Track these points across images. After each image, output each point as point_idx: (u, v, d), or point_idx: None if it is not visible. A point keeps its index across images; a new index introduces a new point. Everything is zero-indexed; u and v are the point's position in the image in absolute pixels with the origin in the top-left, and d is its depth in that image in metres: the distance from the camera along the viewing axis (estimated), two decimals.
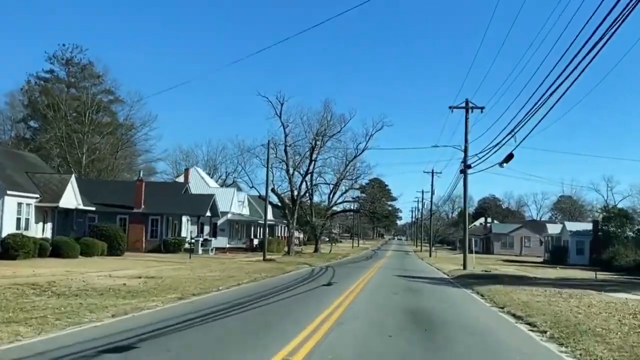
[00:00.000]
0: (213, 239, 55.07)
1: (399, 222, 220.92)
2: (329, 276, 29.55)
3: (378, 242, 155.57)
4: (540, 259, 73.87)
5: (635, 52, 79.83)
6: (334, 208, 72.82)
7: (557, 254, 59.16)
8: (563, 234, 61.26)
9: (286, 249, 59.07)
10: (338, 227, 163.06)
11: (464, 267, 38.92)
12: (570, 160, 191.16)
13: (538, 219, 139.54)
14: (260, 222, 73.98)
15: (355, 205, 70.34)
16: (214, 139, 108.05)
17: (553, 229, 66.04)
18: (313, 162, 57.13)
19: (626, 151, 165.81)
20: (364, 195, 79.34)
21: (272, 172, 55.29)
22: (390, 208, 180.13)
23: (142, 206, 48.12)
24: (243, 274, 27.01)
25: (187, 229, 53.61)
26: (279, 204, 58.29)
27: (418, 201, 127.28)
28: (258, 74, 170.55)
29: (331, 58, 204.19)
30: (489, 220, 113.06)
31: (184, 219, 52.94)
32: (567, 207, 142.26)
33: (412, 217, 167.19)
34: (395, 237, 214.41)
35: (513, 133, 22.73)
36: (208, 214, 51.27)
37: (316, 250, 70.14)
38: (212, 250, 50.65)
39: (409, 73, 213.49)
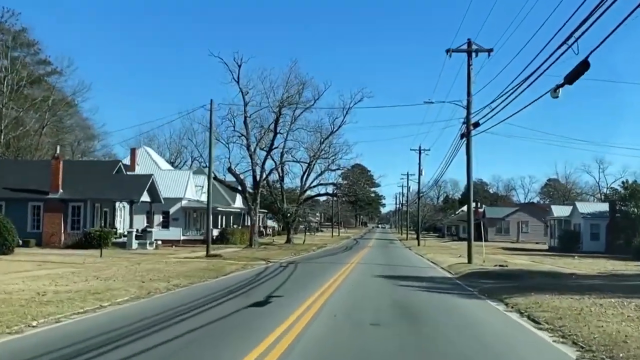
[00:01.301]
0: (155, 230, 44.96)
1: (382, 210, 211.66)
2: (279, 282, 19.68)
3: (361, 231, 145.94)
4: (544, 246, 64.76)
5: None
6: (308, 192, 62.95)
7: (567, 240, 49.92)
8: (573, 217, 51.97)
9: (257, 239, 49.17)
10: (319, 215, 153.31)
11: (469, 261, 29.32)
12: (561, 142, 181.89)
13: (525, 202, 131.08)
14: (228, 209, 64.10)
15: (333, 189, 60.48)
16: (159, 113, 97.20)
17: (560, 211, 56.85)
18: (278, 136, 47.09)
19: (620, 131, 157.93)
20: (345, 182, 69.53)
21: (229, 148, 45.43)
22: (373, 195, 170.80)
23: (60, 190, 37.86)
24: (138, 283, 17.01)
25: (124, 219, 43.42)
26: (239, 187, 48.10)
27: (402, 186, 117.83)
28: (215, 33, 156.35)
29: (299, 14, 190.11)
30: (480, 204, 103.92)
31: (119, 206, 42.75)
32: (554, 191, 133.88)
33: (396, 204, 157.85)
34: (379, 225, 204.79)
35: (575, 39, 12.87)
36: (145, 198, 41.12)
37: (288, 240, 60.39)
38: (151, 244, 40.56)
39: (390, 29, 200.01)
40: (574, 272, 25.14)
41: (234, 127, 45.95)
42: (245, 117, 45.89)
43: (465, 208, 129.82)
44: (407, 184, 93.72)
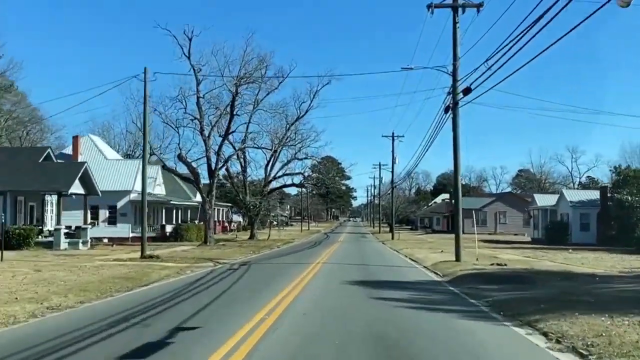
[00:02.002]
0: (102, 226, 39.18)
1: (354, 203, 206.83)
2: (210, 297, 14.13)
3: (332, 225, 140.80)
4: (525, 237, 60.34)
5: None
6: (274, 184, 57.35)
7: (555, 232, 45.34)
8: (560, 206, 47.41)
9: (213, 236, 43.40)
10: (288, 209, 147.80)
11: (458, 258, 24.19)
12: (536, 128, 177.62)
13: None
14: (187, 203, 58.25)
15: (300, 179, 55.03)
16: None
17: (544, 200, 52.32)
18: (235, 118, 41.23)
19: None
20: (315, 175, 63.91)
21: (179, 133, 39.57)
22: (344, 187, 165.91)
23: None
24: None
25: (53, 213, 37.32)
26: (191, 177, 42.23)
27: (374, 178, 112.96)
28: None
29: None
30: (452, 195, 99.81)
31: (50, 200, 36.66)
32: (526, 182, 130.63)
33: (367, 196, 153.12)
34: (351, 219, 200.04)
35: None
36: (78, 190, 35.14)
37: (252, 236, 54.79)
38: (85, 243, 34.66)
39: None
40: (592, 272, 20.13)
41: (185, 109, 40.22)
42: (198, 98, 40.16)
43: (438, 199, 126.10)
44: (380, 174, 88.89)
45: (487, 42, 21.98)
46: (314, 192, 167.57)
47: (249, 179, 63.19)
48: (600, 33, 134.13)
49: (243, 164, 55.52)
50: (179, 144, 38.90)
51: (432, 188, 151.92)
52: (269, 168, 55.87)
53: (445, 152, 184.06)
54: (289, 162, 56.63)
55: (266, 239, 52.82)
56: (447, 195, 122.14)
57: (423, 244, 46.67)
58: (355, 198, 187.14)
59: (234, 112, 40.13)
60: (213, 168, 40.22)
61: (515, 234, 69.29)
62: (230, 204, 72.63)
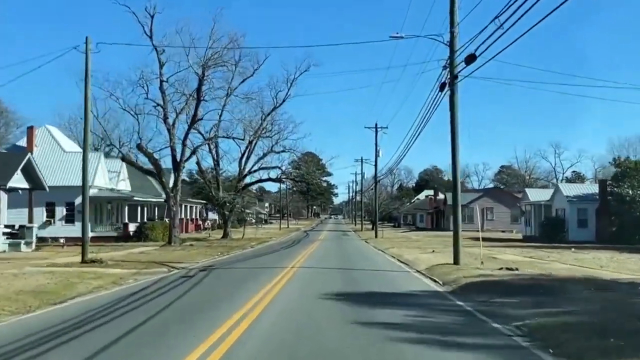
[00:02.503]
0: (58, 225, 34.82)
1: (335, 200, 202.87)
2: (147, 314, 10.18)
3: (312, 222, 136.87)
4: (514, 234, 57.00)
5: None
6: (249, 178, 53.25)
7: (550, 228, 41.90)
8: (555, 201, 43.93)
9: (180, 235, 39.10)
10: (268, 206, 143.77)
11: (456, 261, 20.36)
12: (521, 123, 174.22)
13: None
14: (156, 200, 53.90)
15: (278, 174, 50.90)
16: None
17: (537, 195, 48.89)
18: (203, 104, 36.93)
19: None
20: (294, 170, 59.77)
21: (139, 121, 35.27)
22: (325, 184, 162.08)
23: None
24: None
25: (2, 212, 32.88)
26: (154, 169, 37.89)
27: (356, 174, 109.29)
28: None
29: None
30: (436, 191, 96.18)
31: None
32: (508, 178, 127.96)
33: (349, 192, 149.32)
34: (332, 216, 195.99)
35: None
36: (21, 184, 30.81)
37: (225, 235, 50.71)
38: (29, 244, 30.37)
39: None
40: (626, 278, 16.42)
41: (146, 94, 35.95)
42: (161, 82, 35.87)
43: (421, 196, 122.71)
44: (362, 169, 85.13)
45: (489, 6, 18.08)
46: (294, 188, 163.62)
47: (224, 174, 59.09)
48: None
49: (215, 157, 51.39)
50: (138, 133, 34.68)
51: (414, 184, 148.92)
52: (243, 161, 51.81)
53: (428, 147, 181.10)
54: (265, 155, 52.65)
55: (240, 238, 48.74)
56: (430, 192, 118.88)
57: (409, 243, 43.00)
58: (336, 195, 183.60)
59: (201, 97, 35.90)
60: (178, 160, 36.00)
61: (503, 231, 65.97)
62: (205, 201, 68.33)
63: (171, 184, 37.23)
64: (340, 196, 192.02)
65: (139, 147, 34.53)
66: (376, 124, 54.54)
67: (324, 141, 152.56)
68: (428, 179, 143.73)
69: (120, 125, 53.72)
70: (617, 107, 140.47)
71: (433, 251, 30.04)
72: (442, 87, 21.21)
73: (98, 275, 17.66)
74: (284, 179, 50.18)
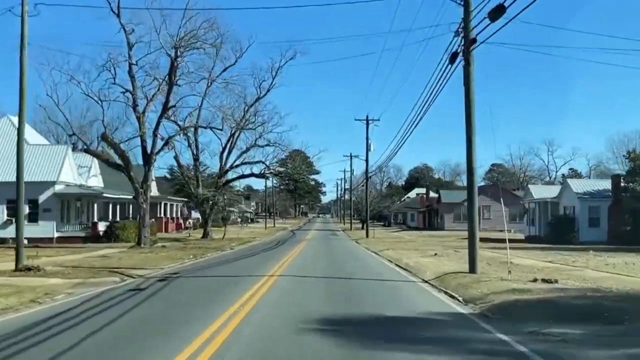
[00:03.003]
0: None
1: (323, 199, 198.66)
2: None
3: (300, 221, 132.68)
4: (513, 234, 53.39)
5: None
6: (230, 174, 49.25)
7: (559, 228, 38.30)
8: (564, 198, 40.32)
9: (151, 236, 34.84)
10: (254, 205, 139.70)
11: (473, 269, 16.53)
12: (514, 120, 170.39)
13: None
14: (125, 197, 49.77)
15: (262, 169, 46.92)
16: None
17: (541, 192, 45.33)
18: (176, 89, 32.71)
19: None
20: (284, 169, 55.67)
21: (103, 107, 31.05)
22: (313, 182, 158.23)
23: None
24: None
25: None
26: (122, 162, 33.69)
27: (345, 171, 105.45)
28: None
29: None
30: (428, 189, 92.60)
31: None
32: (499, 176, 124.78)
33: (337, 191, 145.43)
34: (320, 215, 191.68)
35: None
36: None
37: (205, 235, 46.77)
38: None
39: None
40: None
41: (114, 79, 31.84)
42: (130, 65, 31.78)
43: (411, 194, 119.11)
44: (351, 166, 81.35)
45: None
46: (281, 187, 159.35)
47: (207, 170, 55.14)
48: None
49: (195, 152, 47.40)
50: (103, 121, 30.44)
51: (404, 183, 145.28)
52: (224, 156, 47.88)
53: (418, 145, 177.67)
54: (248, 149, 48.76)
55: (221, 238, 44.76)
56: (421, 190, 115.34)
57: (404, 244, 39.27)
58: (324, 193, 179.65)
59: (174, 82, 31.80)
60: (149, 152, 31.94)
61: (501, 230, 62.40)
62: (186, 199, 64.20)
63: (144, 179, 33.10)
64: (329, 194, 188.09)
65: (104, 137, 30.45)
66: (367, 116, 50.81)
67: (312, 135, 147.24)
68: (418, 177, 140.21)
69: (89, 113, 49.29)
70: (613, 103, 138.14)
71: (435, 254, 26.28)
72: (452, 58, 17.37)
73: (20, 289, 13.66)
74: (268, 175, 46.27)
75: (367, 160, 50.35)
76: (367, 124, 50.14)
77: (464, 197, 64.68)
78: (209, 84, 42.22)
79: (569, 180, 41.77)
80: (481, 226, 62.32)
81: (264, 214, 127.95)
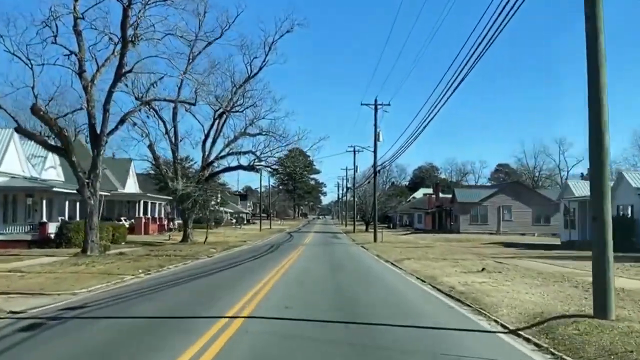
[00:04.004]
0: None
1: (323, 200, 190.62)
2: None
3: (299, 223, 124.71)
4: (540, 239, 45.95)
5: None
6: (216, 165, 41.48)
7: (615, 232, 30.47)
8: (618, 195, 32.36)
9: (99, 241, 26.67)
10: (251, 205, 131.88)
11: (603, 310, 8.85)
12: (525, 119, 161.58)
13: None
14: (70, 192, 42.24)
15: (251, 160, 39.12)
16: None
17: (583, 188, 37.45)
18: (133, 48, 24.69)
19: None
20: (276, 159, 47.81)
21: (33, 70, 23.28)
22: (312, 182, 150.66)
23: None
24: None
25: None
26: (57, 142, 25.62)
27: (347, 169, 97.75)
28: None
29: None
30: (437, 187, 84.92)
31: None
32: (505, 177, 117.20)
33: (339, 189, 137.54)
34: (320, 217, 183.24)
35: None
36: None
37: (185, 238, 39.20)
38: None
39: None
40: None
41: (55, 37, 24.15)
42: (76, 19, 24.16)
43: (417, 194, 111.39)
44: (355, 161, 73.67)
45: None
46: (280, 186, 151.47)
47: (195, 165, 47.49)
48: None
49: (173, 140, 39.80)
50: (32, 89, 22.63)
51: (408, 183, 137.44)
52: (208, 145, 40.27)
53: (420, 144, 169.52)
54: (237, 138, 41.12)
55: (203, 241, 37.15)
56: (428, 190, 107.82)
57: (423, 251, 31.64)
58: (325, 194, 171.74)
59: (128, 38, 23.96)
60: (98, 131, 24.24)
61: (523, 234, 54.90)
62: (171, 197, 56.58)
63: (92, 166, 25.29)
64: (330, 195, 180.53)
65: (34, 109, 22.65)
66: (376, 101, 43.03)
67: (311, 122, 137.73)
68: (423, 177, 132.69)
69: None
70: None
71: (483, 269, 18.60)
72: None
73: None
74: (258, 167, 38.61)
75: (375, 152, 42.68)
76: (376, 109, 42.46)
77: (481, 197, 56.85)
78: (190, 59, 34.98)
79: (624, 173, 33.99)
80: (500, 228, 54.78)
81: (263, 215, 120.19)
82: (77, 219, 37.16)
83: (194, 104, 30.69)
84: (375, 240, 42.95)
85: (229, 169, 39.97)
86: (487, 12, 12.75)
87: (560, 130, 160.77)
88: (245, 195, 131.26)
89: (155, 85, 25.68)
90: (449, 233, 56.79)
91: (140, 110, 25.24)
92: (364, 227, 76.28)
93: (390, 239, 47.32)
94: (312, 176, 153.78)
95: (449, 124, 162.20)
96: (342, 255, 29.48)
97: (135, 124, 37.93)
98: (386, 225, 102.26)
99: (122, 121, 24.87)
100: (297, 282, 16.12)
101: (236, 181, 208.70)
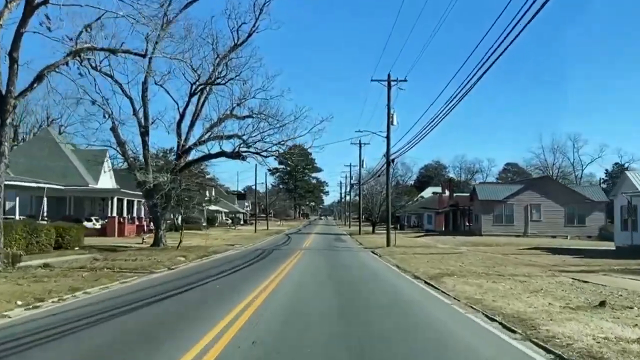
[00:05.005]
0: None
1: (326, 201, 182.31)
2: None
3: (300, 223, 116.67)
4: (570, 239, 38.51)
5: None
6: (194, 154, 33.76)
7: None
8: None
9: (3, 249, 19.00)
10: (248, 205, 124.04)
11: None
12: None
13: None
14: (55, 186, 35.29)
15: (236, 145, 31.25)
16: None
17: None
18: None
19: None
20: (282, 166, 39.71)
21: None
22: (314, 180, 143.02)
23: None
24: None
25: None
26: None
27: (350, 166, 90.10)
28: None
29: None
30: (452, 184, 77.23)
31: None
32: (514, 177, 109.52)
33: (344, 185, 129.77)
34: (322, 217, 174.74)
35: None
36: None
37: (157, 241, 31.74)
38: None
39: None
40: None
41: None
42: None
43: (425, 193, 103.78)
44: (360, 153, 65.94)
45: None
46: (280, 185, 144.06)
47: (170, 155, 39.74)
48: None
49: (143, 122, 32.26)
50: None
51: (414, 182, 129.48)
52: (184, 129, 32.74)
53: (425, 142, 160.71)
54: (221, 120, 33.40)
55: (176, 246, 29.58)
56: (436, 189, 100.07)
57: (455, 259, 24.01)
58: (327, 193, 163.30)
59: None
60: (3, 90, 16.57)
61: (554, 236, 47.24)
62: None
63: None
64: (332, 194, 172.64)
65: None
66: (389, 76, 35.31)
67: (311, 105, 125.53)
68: (431, 176, 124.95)
69: None
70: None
71: (603, 303, 10.94)
72: None
73: None
74: (245, 153, 30.85)
75: (388, 137, 34.80)
76: (389, 85, 34.71)
77: (506, 194, 48.87)
78: (164, 22, 27.62)
79: None
80: (527, 230, 46.99)
81: (262, 215, 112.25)
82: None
83: (143, 56, 22.95)
84: (388, 244, 35.34)
85: (209, 156, 32.26)
86: None
87: (572, 128, 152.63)
88: (243, 194, 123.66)
89: (89, 29, 18.05)
90: (468, 235, 49.15)
91: (67, 63, 17.66)
92: (370, 229, 68.70)
93: (403, 242, 39.85)
94: (313, 175, 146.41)
95: (456, 120, 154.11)
96: (351, 267, 21.87)
97: (94, 101, 30.95)
98: (393, 226, 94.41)
99: (39, 78, 17.22)
100: (284, 319, 8.61)
101: (236, 180, 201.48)
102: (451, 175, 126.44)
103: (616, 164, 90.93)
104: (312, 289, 14.41)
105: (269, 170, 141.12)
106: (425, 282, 15.99)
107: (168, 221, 55.86)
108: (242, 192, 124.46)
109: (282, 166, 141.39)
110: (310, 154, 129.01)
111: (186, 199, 33.35)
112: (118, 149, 32.45)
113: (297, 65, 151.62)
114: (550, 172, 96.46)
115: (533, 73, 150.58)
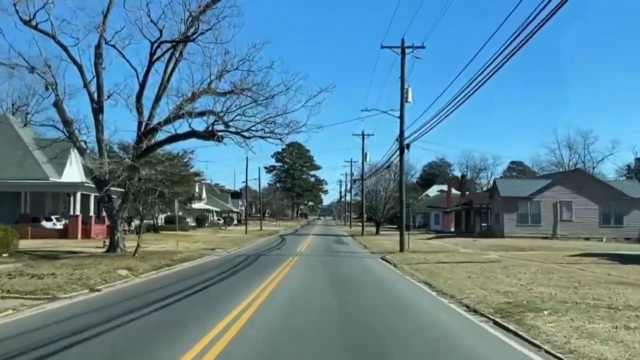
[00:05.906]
0: None
1: (324, 200, 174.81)
2: None
3: (297, 224, 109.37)
4: (608, 242, 31.78)
5: None
6: (160, 135, 26.71)
7: None
8: None
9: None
10: (242, 204, 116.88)
11: None
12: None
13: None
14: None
15: (211, 122, 24.29)
16: None
17: None
18: None
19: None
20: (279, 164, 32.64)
21: None
22: (313, 179, 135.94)
23: None
24: None
25: None
26: None
27: (351, 162, 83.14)
28: None
29: None
30: (462, 183, 70.32)
31: None
32: (519, 175, 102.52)
33: (341, 186, 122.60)
34: (321, 217, 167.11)
35: None
36: None
37: (113, 246, 24.79)
38: None
39: None
40: None
41: None
42: None
43: (431, 191, 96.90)
44: (363, 146, 58.94)
45: None
46: (277, 183, 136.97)
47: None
48: None
49: (96, 96, 25.31)
50: None
51: (417, 180, 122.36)
52: (147, 104, 25.71)
53: (429, 138, 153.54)
54: (195, 96, 26.19)
55: (132, 253, 22.59)
56: (442, 187, 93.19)
57: (505, 273, 17.12)
58: (326, 192, 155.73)
59: None
60: None
61: (587, 238, 40.38)
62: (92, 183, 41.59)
63: None
64: (331, 194, 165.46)
65: None
66: (403, 42, 28.25)
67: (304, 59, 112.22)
68: (435, 173, 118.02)
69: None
70: None
71: None
72: None
73: None
74: (220, 133, 23.77)
75: (401, 117, 27.70)
76: (403, 53, 27.77)
77: (532, 190, 39.86)
78: None
79: None
80: (557, 231, 39.86)
81: (257, 214, 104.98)
82: None
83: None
84: (402, 248, 28.41)
85: (176, 137, 25.19)
86: None
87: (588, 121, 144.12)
88: (238, 193, 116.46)
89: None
90: (487, 237, 42.18)
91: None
92: (374, 229, 61.81)
93: (417, 246, 32.91)
94: (312, 172, 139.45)
95: (461, 116, 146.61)
96: (363, 286, 14.92)
97: (33, 68, 24.13)
98: (396, 226, 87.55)
99: None
100: None
101: (232, 179, 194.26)
102: (457, 173, 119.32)
103: (638, 159, 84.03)
104: (302, 350, 7.53)
105: (265, 168, 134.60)
106: (497, 324, 9.17)
107: (149, 221, 49.13)
108: (238, 191, 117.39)
109: (279, 164, 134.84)
110: (309, 151, 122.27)
111: (138, 188, 25.92)
112: (64, 129, 25.51)
113: (296, 33, 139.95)
114: (567, 169, 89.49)
115: (542, 69, 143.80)
